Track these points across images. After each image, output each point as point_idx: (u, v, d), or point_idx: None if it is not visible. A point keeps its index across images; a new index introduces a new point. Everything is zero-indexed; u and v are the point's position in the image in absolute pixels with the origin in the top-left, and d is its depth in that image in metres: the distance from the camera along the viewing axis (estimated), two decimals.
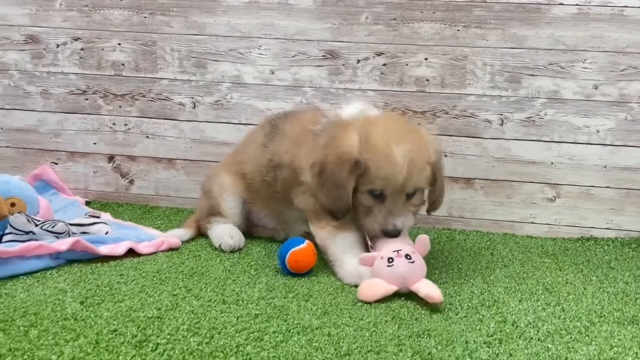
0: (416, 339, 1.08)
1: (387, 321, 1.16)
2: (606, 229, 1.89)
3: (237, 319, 1.13)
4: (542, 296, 1.35)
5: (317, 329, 1.11)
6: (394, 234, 1.38)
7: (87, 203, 2.03)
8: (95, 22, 1.97)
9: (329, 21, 1.87)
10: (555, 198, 1.89)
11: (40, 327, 1.06)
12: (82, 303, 1.17)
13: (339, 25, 1.87)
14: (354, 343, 1.05)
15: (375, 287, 1.29)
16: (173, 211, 2.01)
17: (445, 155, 1.89)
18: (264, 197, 1.65)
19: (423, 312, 1.22)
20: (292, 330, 1.09)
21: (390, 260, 1.30)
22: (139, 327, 1.07)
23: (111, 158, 2.06)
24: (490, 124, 1.87)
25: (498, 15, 1.80)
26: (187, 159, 2.02)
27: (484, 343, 1.08)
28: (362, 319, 1.16)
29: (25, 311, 1.12)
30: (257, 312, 1.17)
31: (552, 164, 1.87)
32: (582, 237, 1.90)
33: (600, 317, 1.24)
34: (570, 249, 1.78)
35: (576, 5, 1.77)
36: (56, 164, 2.08)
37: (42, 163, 2.07)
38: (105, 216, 1.79)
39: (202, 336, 1.05)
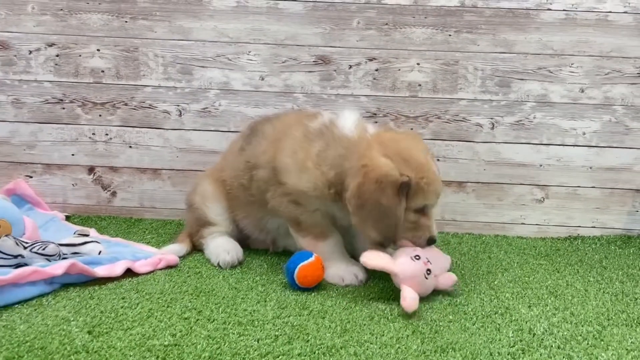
0: (442, 354, 1.08)
1: (408, 336, 1.15)
2: (592, 227, 1.95)
3: (258, 342, 1.10)
4: (549, 300, 1.37)
5: (341, 348, 1.08)
6: (435, 240, 1.40)
7: (67, 218, 1.93)
8: (72, 27, 1.86)
9: (320, 26, 1.84)
10: (544, 199, 1.93)
11: None
12: (89, 333, 1.11)
13: (330, 30, 1.84)
14: None
15: (380, 258, 1.31)
16: (160, 223, 1.93)
17: (438, 159, 1.90)
18: (243, 204, 1.60)
19: (441, 324, 1.21)
20: (317, 352, 1.07)
21: (417, 257, 1.33)
22: (157, 357, 1.02)
23: (91, 169, 1.96)
24: (482, 127, 1.89)
25: (488, 21, 1.82)
26: (173, 169, 1.95)
27: (509, 354, 1.09)
28: (383, 335, 1.15)
29: (30, 345, 1.04)
30: (277, 334, 1.13)
31: (540, 165, 1.91)
32: (569, 236, 1.95)
33: (609, 320, 1.27)
34: (561, 249, 1.83)
35: (563, 10, 1.81)
36: (31, 177, 1.96)
37: (15, 177, 1.95)
38: (91, 232, 1.70)
39: None
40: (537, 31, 1.83)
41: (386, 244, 1.37)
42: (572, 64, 1.84)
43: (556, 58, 1.84)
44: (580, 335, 1.18)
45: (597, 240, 1.92)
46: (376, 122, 1.87)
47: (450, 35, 1.83)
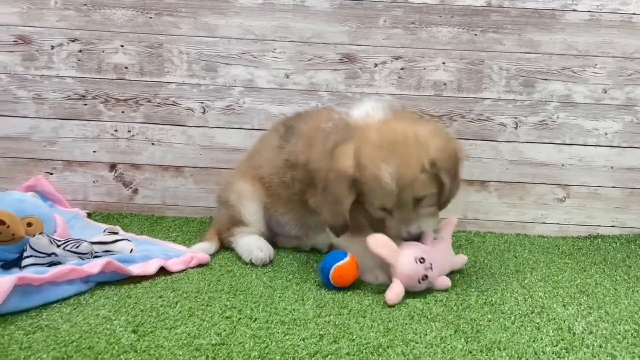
0: (488, 353, 1.08)
1: (451, 335, 1.15)
2: (611, 226, 1.96)
3: (304, 341, 1.10)
4: (582, 299, 1.38)
5: (388, 347, 1.09)
6: (413, 238, 1.38)
7: (88, 215, 1.91)
8: (95, 22, 1.84)
9: (346, 24, 1.84)
10: (565, 198, 1.94)
11: None
12: (134, 332, 1.10)
13: (356, 29, 1.84)
14: None
15: (385, 246, 1.33)
16: (183, 221, 1.92)
17: None
18: (284, 201, 1.60)
19: (481, 323, 1.22)
20: (364, 351, 1.07)
21: (421, 260, 1.34)
22: (207, 357, 1.02)
23: (113, 166, 1.94)
24: (505, 127, 1.90)
25: (514, 21, 1.83)
26: (196, 167, 1.94)
27: (553, 353, 1.09)
28: (426, 334, 1.15)
29: (77, 345, 1.04)
30: (321, 333, 1.13)
31: (563, 165, 1.92)
32: (589, 235, 1.97)
33: None
34: (583, 248, 1.84)
35: (588, 11, 1.82)
36: (51, 174, 1.94)
37: (35, 173, 1.92)
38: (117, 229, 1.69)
39: None
40: (562, 32, 1.84)
41: (337, 230, 1.41)
42: (595, 65, 1.86)
43: (580, 59, 1.85)
44: (620, 334, 1.19)
45: (617, 239, 1.94)
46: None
47: (476, 34, 1.84)
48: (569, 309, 1.32)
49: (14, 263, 1.35)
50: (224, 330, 1.12)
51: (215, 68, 1.87)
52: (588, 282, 1.52)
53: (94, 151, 1.92)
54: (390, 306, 1.28)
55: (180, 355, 1.02)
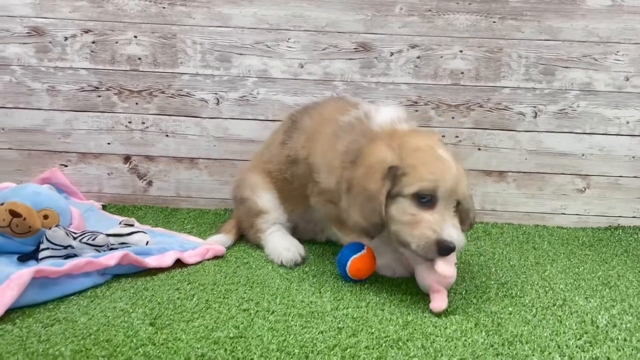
0: (510, 347, 1.06)
1: (472, 328, 1.13)
2: (632, 217, 1.92)
3: (322, 334, 1.08)
4: (605, 292, 1.36)
5: (408, 341, 1.07)
6: (450, 247, 1.18)
7: (103, 207, 1.91)
8: (108, 13, 1.82)
9: (361, 12, 1.80)
10: (585, 189, 1.91)
11: (121, 356, 0.97)
12: (152, 325, 1.09)
13: (372, 17, 1.81)
14: (453, 356, 1.02)
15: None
16: (197, 213, 1.92)
17: (479, 149, 1.87)
18: (288, 197, 1.58)
19: (502, 316, 1.20)
20: (383, 345, 1.05)
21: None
22: (226, 350, 1.01)
23: (127, 158, 1.93)
24: (524, 116, 1.86)
25: (534, 7, 1.78)
26: (210, 158, 1.92)
27: (577, 347, 1.07)
28: (446, 328, 1.13)
29: (95, 338, 1.03)
30: (339, 326, 1.12)
31: (583, 155, 1.88)
32: (610, 226, 1.93)
33: None
34: (604, 239, 1.81)
35: None
36: (66, 166, 1.93)
37: (49, 166, 1.93)
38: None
39: (296, 356, 1.00)
40: (583, 18, 1.79)
41: (372, 231, 1.26)
42: (617, 52, 1.81)
43: (602, 46, 1.81)
44: None
45: (639, 230, 1.90)
46: (417, 110, 1.84)
47: (494, 22, 1.80)
48: (592, 301, 1.30)
49: (31, 255, 1.35)
50: (242, 323, 1.11)
51: (229, 58, 1.85)
52: (610, 274, 1.49)
53: (108, 143, 1.92)
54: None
55: (198, 348, 1.01)
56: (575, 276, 1.46)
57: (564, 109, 1.85)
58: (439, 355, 1.02)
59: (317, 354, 1.01)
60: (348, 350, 1.03)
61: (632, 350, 1.07)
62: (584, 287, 1.39)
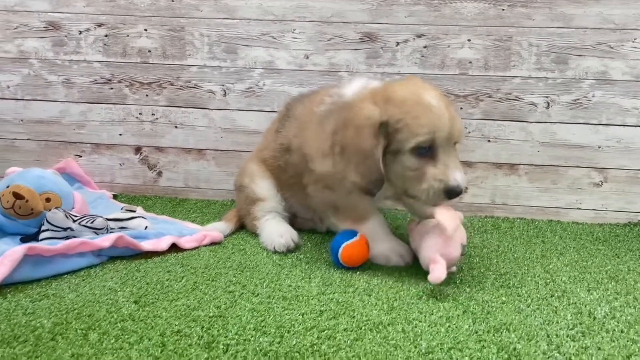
0: (496, 334, 1.02)
1: (459, 315, 1.10)
2: None
3: (303, 316, 1.07)
4: (610, 285, 1.29)
5: (388, 325, 1.05)
6: (457, 191, 1.22)
7: (115, 197, 1.96)
8: (120, 7, 1.88)
9: (366, 2, 1.79)
10: (602, 183, 1.83)
11: (99, 329, 0.99)
12: (136, 302, 1.11)
13: (377, 6, 1.79)
14: (432, 340, 0.99)
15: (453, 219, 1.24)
16: (204, 203, 1.94)
17: (489, 141, 1.82)
18: (285, 184, 1.57)
19: (493, 305, 1.15)
20: (363, 327, 1.03)
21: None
22: (203, 328, 1.01)
23: (138, 149, 1.98)
24: (536, 107, 1.80)
25: None
26: (217, 149, 1.95)
27: (567, 336, 1.02)
28: (432, 314, 1.10)
29: (78, 313, 1.05)
30: (322, 309, 1.10)
31: (599, 147, 1.80)
32: (629, 222, 1.84)
33: None
34: (621, 235, 1.73)
35: None
36: (80, 156, 2.00)
37: (65, 156, 1.99)
38: (139, 210, 1.72)
39: (271, 335, 0.99)
40: (597, 4, 1.72)
41: (372, 188, 1.28)
42: (635, 39, 1.73)
43: (617, 33, 1.73)
44: None
45: None
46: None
47: (503, 9, 1.75)
48: (594, 293, 1.24)
49: (33, 237, 1.39)
50: (224, 304, 1.12)
51: (235, 50, 1.87)
52: (620, 268, 1.42)
53: (120, 134, 1.97)
54: (395, 289, 1.23)
55: (176, 325, 1.01)
56: (581, 269, 1.40)
57: (578, 99, 1.78)
58: (418, 340, 0.99)
59: (293, 334, 1.00)
60: (325, 332, 1.01)
61: (627, 341, 1.01)
62: (589, 279, 1.32)
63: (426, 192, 1.25)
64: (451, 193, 1.23)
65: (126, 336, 0.97)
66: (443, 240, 1.25)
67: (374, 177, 1.26)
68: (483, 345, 0.98)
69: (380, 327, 1.04)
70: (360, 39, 1.82)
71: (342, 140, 1.29)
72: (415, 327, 1.04)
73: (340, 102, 1.36)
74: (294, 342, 0.97)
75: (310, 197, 1.51)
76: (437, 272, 1.19)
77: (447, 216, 1.23)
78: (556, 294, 1.22)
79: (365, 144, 1.24)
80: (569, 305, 1.17)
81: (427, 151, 1.24)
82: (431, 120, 1.22)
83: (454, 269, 1.31)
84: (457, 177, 1.23)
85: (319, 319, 1.06)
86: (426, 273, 1.24)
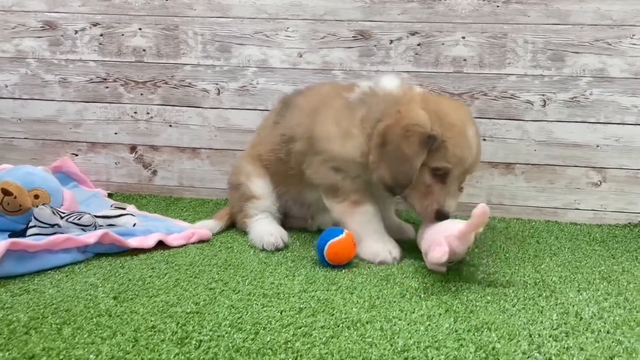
0: (476, 333, 1.00)
1: (440, 314, 1.08)
2: None
3: (281, 313, 1.06)
4: (601, 286, 1.26)
5: (367, 323, 1.03)
6: (446, 216, 1.34)
7: (110, 195, 1.97)
8: (115, 7, 1.89)
9: None
10: (600, 182, 1.79)
11: (74, 324, 0.99)
12: (115, 298, 1.10)
13: (370, 4, 1.78)
14: (410, 338, 0.97)
15: None
16: (198, 202, 1.94)
17: (484, 139, 1.80)
18: (282, 178, 1.57)
19: (478, 304, 1.13)
20: (340, 325, 1.02)
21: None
22: (178, 324, 1.00)
23: (133, 148, 1.98)
24: (532, 105, 1.77)
25: None
26: (211, 148, 1.94)
27: (550, 336, 1.00)
28: (413, 312, 1.08)
29: (56, 308, 1.05)
30: (301, 306, 1.09)
31: (597, 146, 1.77)
32: (629, 223, 1.80)
33: None
34: (619, 236, 1.69)
35: None
36: (76, 155, 2.01)
37: (62, 154, 2.00)
38: (130, 208, 1.72)
39: (246, 332, 0.98)
40: None
41: (396, 190, 1.35)
42: (633, 36, 1.69)
43: (615, 29, 1.70)
44: (634, 321, 1.07)
45: None
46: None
47: (498, 6, 1.72)
48: (583, 294, 1.21)
49: (21, 233, 1.40)
50: (203, 300, 1.11)
51: (229, 49, 1.87)
52: (614, 269, 1.38)
53: (115, 133, 1.97)
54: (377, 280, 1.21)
55: (151, 321, 1.01)
56: (573, 269, 1.37)
57: (575, 97, 1.75)
58: (395, 337, 0.97)
59: (268, 331, 0.98)
60: (302, 329, 1.00)
61: (612, 342, 0.98)
62: (580, 280, 1.29)
63: (424, 207, 1.35)
64: (440, 216, 1.34)
65: (100, 331, 0.96)
66: (456, 231, 1.26)
67: (403, 182, 1.32)
68: (461, 344, 0.96)
69: (358, 324, 1.02)
70: (353, 37, 1.80)
71: (385, 132, 1.32)
72: (395, 325, 1.02)
73: (378, 92, 1.40)
74: (268, 339, 0.95)
75: (306, 191, 1.53)
76: (439, 252, 1.21)
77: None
78: (544, 294, 1.20)
79: (409, 149, 1.29)
80: (556, 305, 1.14)
81: (443, 174, 1.33)
82: (464, 155, 1.32)
83: (443, 269, 1.29)
84: (451, 205, 1.36)
85: (297, 316, 1.05)
86: (413, 271, 1.23)
